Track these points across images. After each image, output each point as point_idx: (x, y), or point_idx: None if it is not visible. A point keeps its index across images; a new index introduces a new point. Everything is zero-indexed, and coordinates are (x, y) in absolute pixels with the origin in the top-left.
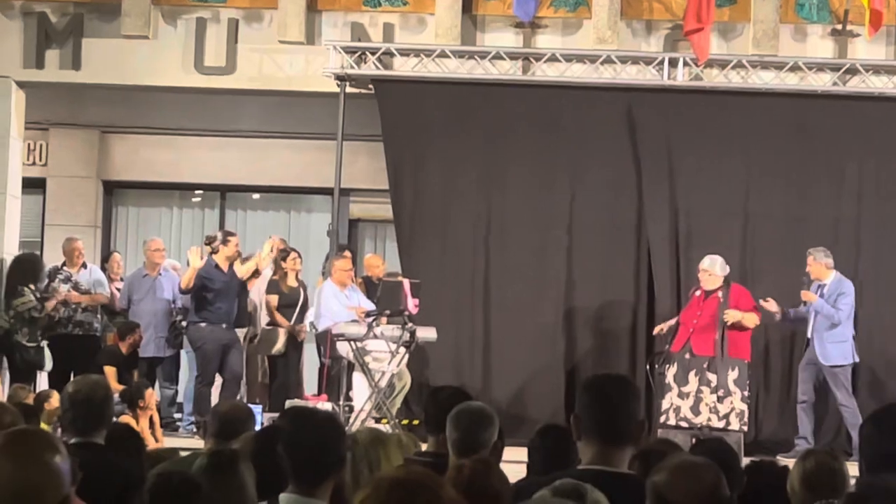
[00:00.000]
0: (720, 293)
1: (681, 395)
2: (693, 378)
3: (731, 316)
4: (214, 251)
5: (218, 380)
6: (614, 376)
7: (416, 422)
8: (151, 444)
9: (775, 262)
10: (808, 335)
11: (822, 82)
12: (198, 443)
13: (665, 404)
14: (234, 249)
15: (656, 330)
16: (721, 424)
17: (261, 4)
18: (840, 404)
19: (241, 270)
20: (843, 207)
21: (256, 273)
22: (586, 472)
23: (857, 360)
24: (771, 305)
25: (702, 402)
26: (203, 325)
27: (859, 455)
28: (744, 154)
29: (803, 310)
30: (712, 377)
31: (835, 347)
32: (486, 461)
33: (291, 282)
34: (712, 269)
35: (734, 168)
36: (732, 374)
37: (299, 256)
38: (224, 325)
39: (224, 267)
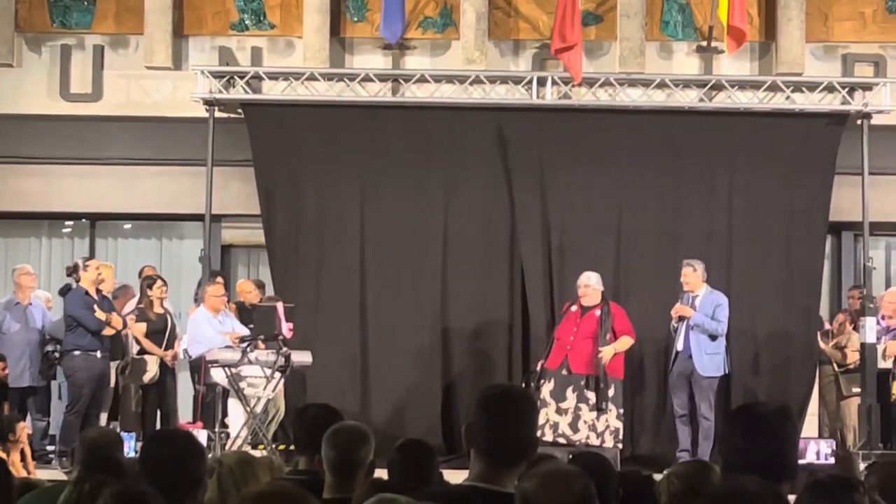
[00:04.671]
0: (598, 311)
1: (559, 412)
2: (571, 395)
3: (606, 355)
4: (77, 280)
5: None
6: (511, 392)
7: (293, 447)
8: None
9: (648, 278)
10: (679, 348)
11: (688, 99)
12: (60, 474)
13: (541, 419)
14: (95, 272)
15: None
16: (598, 442)
17: (126, 30)
18: (702, 416)
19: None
20: (714, 222)
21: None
22: (468, 489)
23: (728, 371)
24: (686, 311)
25: (580, 419)
26: (77, 353)
27: (719, 454)
28: (614, 171)
29: (673, 324)
30: (590, 395)
31: (711, 360)
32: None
33: (157, 309)
34: (592, 283)
35: (605, 185)
36: (609, 392)
37: (165, 284)
38: (98, 353)
39: (92, 292)
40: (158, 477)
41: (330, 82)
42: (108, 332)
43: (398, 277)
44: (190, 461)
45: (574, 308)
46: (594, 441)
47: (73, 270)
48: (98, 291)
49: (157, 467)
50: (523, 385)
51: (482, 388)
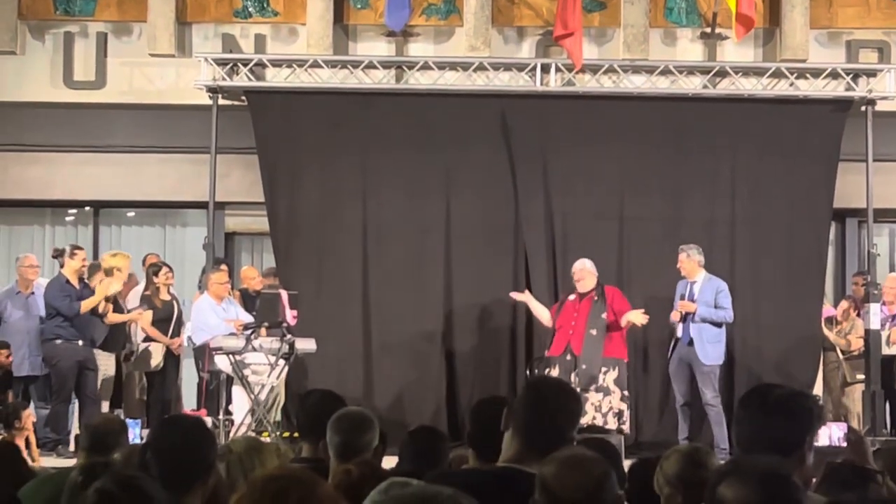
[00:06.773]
0: (594, 294)
1: None
2: (575, 378)
3: (634, 317)
4: (62, 265)
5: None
6: (562, 383)
7: (297, 434)
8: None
9: (651, 264)
10: (679, 335)
11: (692, 85)
12: (61, 461)
13: None
14: (81, 263)
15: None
16: (601, 422)
17: (130, 17)
18: (707, 404)
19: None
20: (717, 209)
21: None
22: (502, 469)
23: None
24: (688, 307)
25: (587, 401)
26: (58, 342)
27: (734, 437)
28: (617, 157)
29: (674, 322)
30: (602, 378)
31: (713, 347)
32: (371, 463)
33: (164, 296)
34: (586, 268)
35: (608, 172)
36: (612, 374)
37: (171, 270)
38: (80, 342)
39: (74, 281)
40: (169, 463)
41: (333, 69)
42: (87, 306)
43: (401, 264)
44: (200, 447)
45: (572, 297)
46: (601, 422)
47: (59, 254)
48: (80, 280)
49: (168, 453)
50: (527, 372)
51: (533, 376)
